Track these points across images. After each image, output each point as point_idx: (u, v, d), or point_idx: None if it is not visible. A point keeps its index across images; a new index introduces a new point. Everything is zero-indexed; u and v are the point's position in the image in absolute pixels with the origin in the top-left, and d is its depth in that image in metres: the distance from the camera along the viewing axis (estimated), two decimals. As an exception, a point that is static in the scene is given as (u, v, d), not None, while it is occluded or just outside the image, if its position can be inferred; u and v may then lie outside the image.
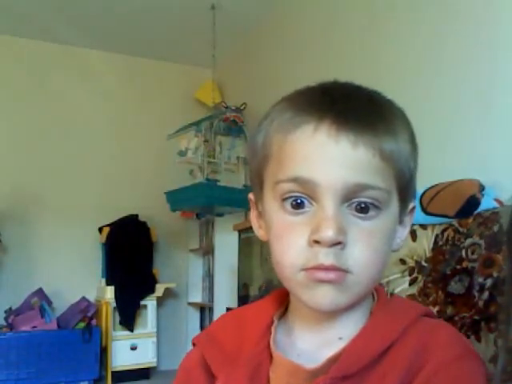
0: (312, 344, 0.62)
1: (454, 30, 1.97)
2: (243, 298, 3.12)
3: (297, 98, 0.61)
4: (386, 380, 0.55)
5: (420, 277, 1.64)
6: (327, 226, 0.54)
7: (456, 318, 1.47)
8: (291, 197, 0.57)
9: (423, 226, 1.68)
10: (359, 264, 0.56)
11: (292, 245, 0.57)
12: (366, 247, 0.56)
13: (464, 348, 0.58)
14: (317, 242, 0.55)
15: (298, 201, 0.57)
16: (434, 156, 2.03)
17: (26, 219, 3.60)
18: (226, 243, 3.31)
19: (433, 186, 1.70)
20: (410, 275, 1.68)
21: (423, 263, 1.64)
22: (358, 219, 0.56)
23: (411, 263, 1.68)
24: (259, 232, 0.66)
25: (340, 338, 0.61)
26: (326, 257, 0.55)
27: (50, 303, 3.46)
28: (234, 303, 3.19)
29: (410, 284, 1.67)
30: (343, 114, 0.56)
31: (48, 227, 3.66)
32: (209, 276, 3.82)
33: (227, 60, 3.78)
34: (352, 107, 0.57)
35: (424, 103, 2.11)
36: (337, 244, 0.55)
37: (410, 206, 0.64)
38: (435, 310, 1.55)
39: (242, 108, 3.39)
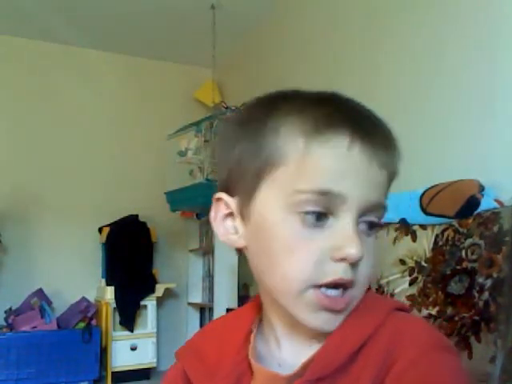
0: (291, 352, 0.61)
1: (454, 30, 1.97)
2: (243, 298, 3.12)
3: (311, 104, 0.58)
4: (360, 380, 0.55)
5: (420, 277, 1.64)
6: (353, 244, 0.54)
7: (456, 319, 1.47)
8: (311, 207, 0.55)
9: (423, 227, 1.68)
10: (363, 277, 0.57)
11: (306, 259, 0.55)
12: (369, 262, 0.57)
13: (434, 342, 0.57)
14: (342, 259, 0.54)
15: (319, 214, 0.55)
16: (433, 156, 2.03)
17: (26, 219, 3.60)
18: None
19: (432, 187, 1.70)
20: (409, 275, 1.68)
21: (423, 263, 1.64)
22: (366, 236, 0.58)
23: (411, 263, 1.68)
24: (231, 238, 0.62)
25: (319, 342, 0.59)
26: (345, 272, 0.55)
27: (49, 303, 3.46)
28: (234, 303, 3.19)
29: (409, 284, 1.67)
30: (372, 134, 0.56)
31: (48, 227, 3.65)
32: (209, 276, 3.81)
33: (227, 60, 3.78)
34: (377, 128, 0.58)
35: (424, 103, 2.11)
36: (358, 261, 0.55)
37: None
38: (435, 310, 1.55)
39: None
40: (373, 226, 0.58)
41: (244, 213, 0.60)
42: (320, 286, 0.55)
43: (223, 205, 0.62)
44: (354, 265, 0.55)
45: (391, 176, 0.59)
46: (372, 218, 0.57)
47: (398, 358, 0.54)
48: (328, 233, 0.55)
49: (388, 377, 0.54)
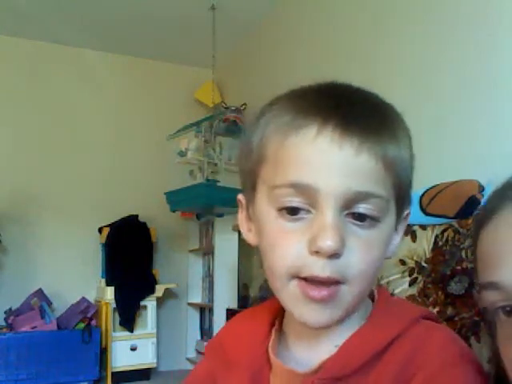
0: (309, 354, 0.61)
1: (453, 29, 1.97)
2: (243, 299, 3.11)
3: (297, 98, 0.58)
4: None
5: (420, 277, 1.64)
6: (327, 236, 0.51)
7: (456, 319, 1.47)
8: (288, 202, 0.54)
9: (423, 227, 1.68)
10: (355, 274, 0.54)
11: (287, 252, 0.54)
12: (363, 257, 0.54)
13: (457, 354, 0.56)
14: (316, 251, 0.52)
15: (296, 207, 0.54)
16: (433, 156, 2.03)
17: (26, 220, 3.60)
18: (226, 244, 3.31)
19: (432, 187, 1.70)
20: (409, 276, 1.68)
21: (423, 264, 1.64)
22: (357, 228, 0.54)
23: (411, 264, 1.68)
24: (248, 236, 0.63)
25: (336, 346, 0.59)
26: (322, 269, 0.53)
27: (49, 304, 3.46)
28: (234, 303, 3.19)
29: (409, 284, 1.67)
30: (348, 118, 0.53)
31: (48, 227, 3.65)
32: (209, 276, 3.81)
33: (227, 60, 3.78)
34: (356, 112, 0.55)
35: (424, 103, 2.11)
36: (335, 255, 0.52)
37: (405, 212, 0.63)
38: (435, 310, 1.55)
39: (242, 108, 3.39)
40: (365, 218, 0.54)
41: (250, 212, 0.62)
42: (302, 278, 0.54)
43: (242, 205, 0.64)
44: (332, 258, 0.52)
45: (385, 161, 0.54)
46: (360, 210, 0.54)
47: (418, 368, 0.54)
48: (307, 226, 0.54)
49: None
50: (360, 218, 0.54)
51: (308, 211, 0.54)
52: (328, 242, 0.51)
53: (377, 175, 0.54)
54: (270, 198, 0.56)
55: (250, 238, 0.63)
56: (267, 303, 0.69)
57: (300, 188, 0.53)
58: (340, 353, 0.57)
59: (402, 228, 0.63)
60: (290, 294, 0.56)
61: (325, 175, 0.53)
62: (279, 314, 0.67)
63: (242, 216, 0.64)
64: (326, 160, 0.53)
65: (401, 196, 0.58)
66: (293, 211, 0.54)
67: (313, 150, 0.53)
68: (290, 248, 0.54)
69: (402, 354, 0.55)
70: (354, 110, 0.55)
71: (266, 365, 0.62)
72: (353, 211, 0.54)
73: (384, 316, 0.60)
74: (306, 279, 0.54)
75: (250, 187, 0.60)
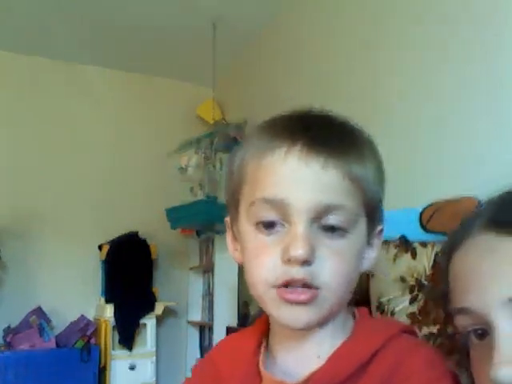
0: (292, 363, 0.65)
1: (453, 34, 1.96)
2: (243, 317, 3.09)
3: (272, 124, 0.65)
4: None
5: (420, 295, 1.63)
6: (297, 246, 0.56)
7: (457, 337, 1.45)
8: (264, 217, 0.60)
9: (423, 244, 1.67)
10: (329, 281, 0.58)
11: (265, 264, 0.59)
12: (334, 265, 0.58)
13: (440, 371, 0.59)
14: (288, 260, 0.57)
15: (271, 221, 0.59)
16: (433, 156, 2.02)
17: (26, 236, 3.59)
18: (227, 261, 3.29)
19: (432, 204, 1.69)
20: (410, 293, 1.66)
21: (423, 281, 1.63)
22: (327, 239, 0.59)
23: (411, 281, 1.67)
24: (235, 254, 0.69)
25: (318, 357, 0.63)
26: (296, 273, 0.57)
27: (48, 321, 3.44)
28: (234, 322, 3.16)
29: (410, 302, 1.65)
30: (315, 139, 0.59)
31: (47, 244, 3.64)
32: (209, 294, 3.79)
33: (228, 77, 3.80)
34: (323, 133, 0.61)
35: (424, 103, 2.10)
36: (306, 262, 0.57)
37: (378, 228, 0.67)
38: (436, 328, 1.53)
39: (242, 125, 3.40)
40: (335, 229, 0.59)
41: (235, 231, 0.68)
42: (279, 287, 0.59)
43: (229, 226, 0.70)
44: (304, 265, 0.57)
45: (351, 178, 0.59)
46: (330, 221, 0.59)
47: (402, 383, 0.57)
48: (281, 238, 0.59)
49: None
50: (330, 229, 0.59)
51: (282, 225, 0.59)
52: (299, 251, 0.56)
53: (344, 189, 0.59)
54: (248, 214, 0.62)
55: (236, 256, 0.68)
56: (255, 324, 0.73)
57: (274, 203, 0.59)
58: (328, 364, 0.61)
59: (377, 243, 0.67)
60: (270, 301, 0.60)
61: (295, 190, 0.58)
62: (266, 333, 0.71)
63: (228, 236, 0.70)
64: (295, 177, 0.58)
65: (370, 211, 0.63)
66: (269, 225, 0.60)
67: (284, 168, 0.59)
68: (266, 260, 0.59)
69: (386, 366, 0.59)
70: (321, 132, 0.61)
71: (257, 379, 0.65)
72: (323, 223, 0.59)
73: (367, 329, 0.64)
74: (283, 286, 0.59)
75: (234, 208, 0.66)
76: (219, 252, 3.47)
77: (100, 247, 3.67)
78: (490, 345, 0.51)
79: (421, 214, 1.70)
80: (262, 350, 0.69)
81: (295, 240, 0.57)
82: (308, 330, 0.62)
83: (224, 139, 3.36)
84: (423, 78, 2.11)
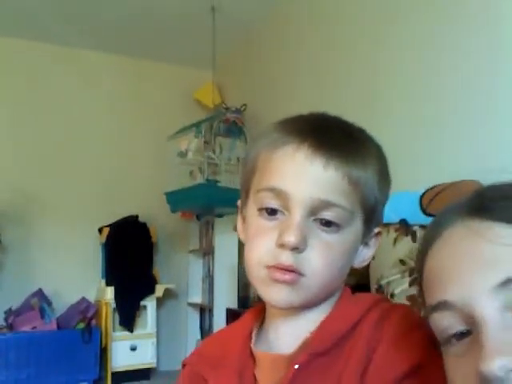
0: (289, 338, 0.69)
1: (453, 30, 1.98)
2: (243, 299, 3.12)
3: (286, 122, 0.71)
4: (351, 356, 0.63)
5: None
6: (290, 233, 0.62)
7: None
8: (267, 203, 0.66)
9: (423, 227, 1.68)
10: (313, 269, 0.64)
11: (261, 245, 0.65)
12: (321, 256, 0.64)
13: (414, 323, 0.63)
14: (281, 245, 0.63)
15: (273, 208, 0.65)
16: (433, 156, 2.04)
17: (26, 220, 3.61)
18: (226, 244, 3.32)
19: (432, 187, 1.71)
20: (409, 276, 1.68)
21: (423, 264, 1.65)
22: (321, 232, 0.65)
23: (411, 264, 1.68)
24: (241, 235, 0.74)
25: (310, 333, 0.68)
26: (286, 258, 0.63)
27: (49, 304, 3.46)
28: (233, 304, 3.20)
29: (410, 285, 1.67)
30: (321, 140, 0.65)
31: (48, 228, 3.66)
32: (209, 277, 3.82)
33: (227, 61, 3.79)
34: (330, 136, 0.66)
35: (424, 103, 2.12)
36: (296, 249, 0.63)
37: (376, 230, 0.72)
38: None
39: (242, 109, 3.40)
40: (331, 225, 0.65)
41: (244, 214, 0.73)
42: (269, 267, 0.65)
43: (239, 209, 0.76)
44: (294, 251, 0.63)
45: (350, 179, 0.64)
46: (325, 216, 0.64)
47: (383, 335, 0.63)
48: (279, 224, 0.65)
49: (373, 359, 0.62)
50: (326, 224, 0.65)
51: (283, 213, 0.65)
52: (292, 238, 0.62)
53: (342, 189, 0.64)
54: (254, 199, 0.68)
55: (243, 237, 0.73)
56: (245, 314, 0.78)
57: (277, 192, 0.65)
58: (320, 330, 0.66)
59: (373, 244, 0.73)
60: (260, 279, 0.66)
61: (296, 183, 0.64)
62: (257, 320, 0.76)
63: (239, 219, 0.75)
64: (299, 171, 0.64)
65: (368, 213, 0.68)
66: (272, 212, 0.66)
67: (291, 163, 0.65)
68: (263, 242, 0.65)
69: (369, 327, 0.64)
70: (327, 135, 0.66)
71: (250, 362, 0.70)
72: (319, 217, 0.64)
73: (352, 299, 0.71)
74: (273, 267, 0.64)
75: (245, 193, 0.72)
76: (219, 235, 3.49)
77: (100, 230, 3.69)
78: (475, 340, 0.46)
79: (421, 197, 1.71)
80: (254, 336, 0.73)
81: (290, 227, 0.63)
82: (290, 309, 0.67)
83: (223, 123, 3.37)
84: (423, 77, 2.12)
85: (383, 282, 1.75)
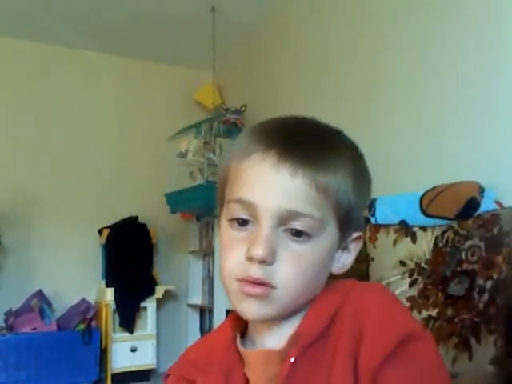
0: (274, 337, 0.68)
1: (453, 30, 1.97)
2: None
3: (255, 128, 0.69)
4: (340, 340, 0.62)
5: (420, 278, 1.64)
6: (258, 246, 0.61)
7: (456, 320, 1.47)
8: (236, 214, 0.64)
9: (423, 228, 1.68)
10: (283, 281, 0.62)
11: (232, 257, 0.64)
12: (291, 267, 0.62)
13: (392, 296, 0.66)
14: (249, 258, 0.62)
15: (243, 218, 0.64)
16: (433, 156, 2.03)
17: (26, 221, 3.60)
18: (226, 245, 3.31)
19: (433, 188, 1.70)
20: (409, 277, 1.68)
21: (423, 265, 1.64)
22: (291, 242, 0.63)
23: (411, 265, 1.68)
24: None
25: (297, 321, 0.67)
26: (255, 271, 0.62)
27: (49, 305, 3.46)
28: (233, 305, 3.18)
29: (409, 286, 1.67)
30: (288, 147, 0.63)
31: (48, 229, 3.65)
32: (209, 278, 3.81)
33: (227, 62, 3.78)
34: (297, 142, 0.64)
35: (424, 103, 2.11)
36: (264, 262, 0.61)
37: (354, 235, 0.70)
38: (435, 311, 1.55)
39: (242, 110, 3.39)
40: (301, 234, 0.63)
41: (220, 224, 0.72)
42: (240, 280, 0.63)
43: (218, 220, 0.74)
44: (263, 264, 0.61)
45: (318, 186, 0.62)
46: (294, 226, 0.62)
47: (363, 318, 0.62)
48: (248, 235, 0.63)
49: (362, 348, 0.60)
50: (297, 234, 0.63)
51: (253, 223, 0.64)
52: (259, 251, 0.61)
53: (310, 197, 0.62)
54: (226, 211, 0.67)
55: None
56: (228, 319, 0.76)
57: (245, 204, 0.63)
58: (305, 323, 0.65)
59: (354, 248, 0.70)
60: (233, 292, 0.65)
61: (263, 194, 0.62)
62: (240, 325, 0.74)
63: (218, 228, 0.74)
64: (265, 181, 0.63)
65: (342, 219, 0.66)
66: (243, 223, 0.64)
67: (257, 172, 0.63)
68: (233, 254, 0.64)
69: (349, 310, 0.63)
70: (295, 141, 0.64)
71: (238, 362, 0.69)
72: (289, 227, 0.63)
73: (329, 291, 0.68)
74: (243, 280, 0.63)
75: (220, 203, 0.70)
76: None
77: (100, 231, 3.69)
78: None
79: (421, 198, 1.71)
80: (238, 339, 0.72)
81: (257, 240, 0.61)
82: (264, 322, 0.66)
83: (223, 124, 3.37)
84: (423, 77, 2.11)
85: (383, 283, 1.75)
